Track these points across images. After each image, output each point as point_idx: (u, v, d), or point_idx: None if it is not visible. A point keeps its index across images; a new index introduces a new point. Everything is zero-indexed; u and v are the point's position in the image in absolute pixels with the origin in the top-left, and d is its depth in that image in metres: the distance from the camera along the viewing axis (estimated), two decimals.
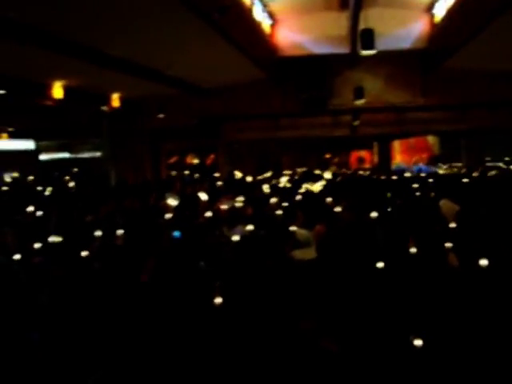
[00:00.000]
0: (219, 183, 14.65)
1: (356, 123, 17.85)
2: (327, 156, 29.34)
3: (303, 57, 14.29)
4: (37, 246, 5.80)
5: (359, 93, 14.42)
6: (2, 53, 9.20)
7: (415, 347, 3.37)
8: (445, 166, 22.26)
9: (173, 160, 22.27)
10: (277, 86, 15.43)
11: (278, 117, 17.62)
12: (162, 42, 10.16)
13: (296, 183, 14.99)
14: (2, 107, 17.34)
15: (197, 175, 19.31)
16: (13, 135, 25.15)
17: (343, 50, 13.69)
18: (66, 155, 28.57)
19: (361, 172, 21.80)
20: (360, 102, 14.61)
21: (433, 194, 10.35)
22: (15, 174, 23.84)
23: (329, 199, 9.74)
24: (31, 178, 21.59)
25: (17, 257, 5.21)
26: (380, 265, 4.90)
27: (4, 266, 4.44)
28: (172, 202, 9.18)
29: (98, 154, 23.28)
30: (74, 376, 3.90)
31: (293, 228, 7.28)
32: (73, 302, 4.53)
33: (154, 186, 11.51)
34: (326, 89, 15.30)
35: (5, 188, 15.24)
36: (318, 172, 18.94)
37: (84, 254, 5.31)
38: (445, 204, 8.68)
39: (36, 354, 4.11)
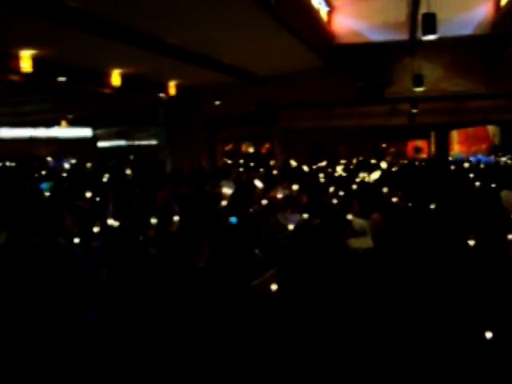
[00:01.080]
0: (274, 172, 14.66)
1: (414, 111, 17.53)
2: (383, 145, 28.98)
3: (360, 44, 14.06)
4: (95, 230, 5.91)
5: (418, 80, 14.09)
6: (62, 41, 9.38)
7: (485, 340, 3.28)
8: (505, 157, 21.62)
9: (228, 148, 22.41)
10: (333, 74, 15.22)
11: (334, 105, 17.46)
12: (219, 30, 10.16)
13: (352, 172, 14.89)
14: (63, 95, 17.78)
15: (252, 163, 19.38)
16: (72, 123, 25.78)
17: (402, 36, 13.39)
18: (122, 143, 29.12)
19: (417, 162, 21.42)
20: (419, 90, 14.28)
21: (493, 184, 10.08)
22: (74, 161, 24.42)
23: (385, 189, 9.64)
24: (89, 164, 22.09)
25: (76, 240, 5.33)
26: (438, 256, 4.80)
27: (65, 249, 4.54)
28: (228, 189, 9.23)
29: (154, 141, 23.63)
30: (130, 358, 3.95)
31: (349, 217, 7.25)
32: (129, 285, 4.59)
33: (210, 174, 11.57)
34: (383, 77, 15.00)
35: (64, 174, 15.64)
36: (373, 161, 18.75)
37: (140, 238, 5.39)
38: (506, 195, 8.47)
39: (95, 336, 4.19)
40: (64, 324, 4.09)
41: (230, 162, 20.21)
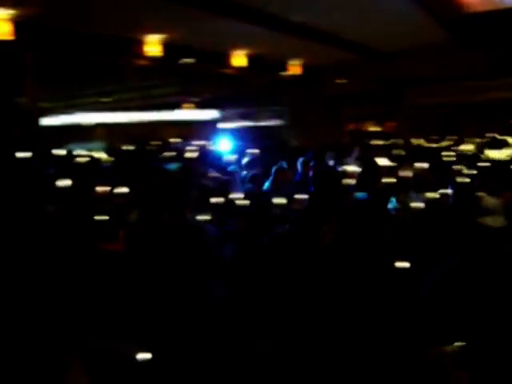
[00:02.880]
0: (399, 150, 14.27)
1: None
2: None
3: (493, 11, 13.24)
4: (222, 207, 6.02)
5: None
6: (189, 24, 9.59)
7: None
8: None
9: (352, 127, 22.09)
10: (462, 47, 14.49)
11: (464, 79, 16.63)
12: (343, 6, 9.98)
13: (480, 149, 14.24)
14: (188, 78, 18.28)
15: (376, 142, 18.99)
16: (198, 105, 26.47)
17: None
18: (247, 123, 29.54)
19: None
20: None
21: None
22: (200, 142, 25.04)
23: None
24: (214, 146, 22.58)
25: (205, 217, 5.44)
26: None
27: (194, 225, 4.64)
28: (352, 167, 9.10)
29: (277, 121, 23.77)
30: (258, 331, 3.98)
31: (480, 194, 6.95)
32: (256, 261, 4.63)
33: (334, 152, 11.44)
34: None
35: (191, 155, 16.07)
36: (502, 138, 17.80)
37: (266, 215, 5.41)
38: None
39: (222, 309, 4.25)
40: (194, 297, 4.18)
41: (353, 140, 19.92)
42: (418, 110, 19.78)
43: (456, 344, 2.87)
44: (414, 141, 17.07)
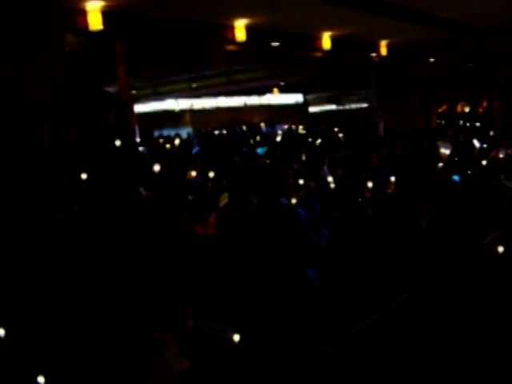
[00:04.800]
0: (494, 131, 13.76)
1: None
2: None
3: None
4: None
5: None
6: (273, 8, 9.55)
7: None
8: None
9: (443, 108, 21.46)
10: None
11: None
12: None
13: None
14: (274, 62, 18.28)
15: (469, 123, 18.40)
16: (283, 89, 26.49)
17: None
18: (333, 107, 29.34)
19: None
20: None
21: None
22: (287, 127, 25.12)
23: None
24: (302, 129, 22.58)
25: (293, 201, 5.46)
26: None
27: (286, 208, 4.64)
28: (445, 150, 8.86)
29: (364, 104, 23.44)
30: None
31: None
32: (348, 245, 4.60)
33: (425, 134, 11.14)
34: None
35: (278, 139, 16.16)
36: None
37: (358, 200, 5.35)
38: None
39: (313, 292, 4.25)
40: (286, 282, 4.20)
41: (444, 122, 19.37)
42: None
43: None
44: (511, 121, 16.40)
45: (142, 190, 5.54)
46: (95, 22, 8.48)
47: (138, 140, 10.08)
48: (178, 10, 9.57)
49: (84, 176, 4.71)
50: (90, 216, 4.67)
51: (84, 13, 8.44)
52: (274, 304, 4.04)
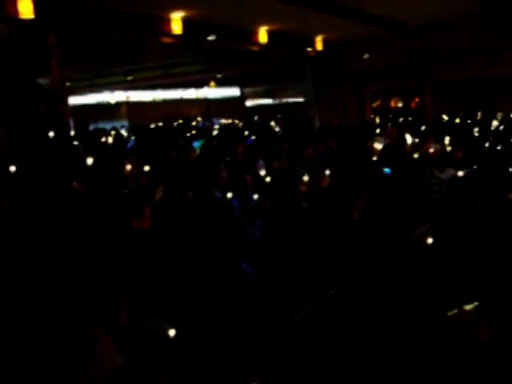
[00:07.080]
0: (425, 126, 14.12)
1: None
2: None
3: None
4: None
5: None
6: (211, 1, 9.50)
7: None
8: None
9: (377, 103, 21.87)
10: (492, 16, 14.02)
11: (494, 52, 16.21)
12: None
13: (510, 125, 14.04)
14: (211, 55, 18.20)
15: (401, 118, 18.82)
16: (220, 83, 26.39)
17: None
18: (270, 101, 29.46)
19: None
20: None
21: None
22: (224, 121, 25.11)
23: None
24: (238, 123, 22.60)
25: (230, 194, 5.45)
26: None
27: (220, 201, 4.64)
28: (378, 144, 9.04)
29: (301, 98, 23.62)
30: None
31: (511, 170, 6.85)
32: (282, 238, 4.63)
33: (360, 129, 11.36)
34: None
35: (215, 132, 16.14)
36: None
37: (292, 193, 5.39)
38: None
39: (251, 286, 4.28)
40: (222, 275, 4.20)
41: (379, 117, 19.76)
42: (444, 84, 19.48)
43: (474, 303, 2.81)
44: (441, 116, 16.88)
45: (74, 183, 5.43)
46: (26, 11, 8.18)
47: (72, 133, 9.85)
48: (114, 1, 9.40)
49: (12, 168, 4.58)
50: (18, 210, 4.55)
51: (14, 0, 8.15)
52: (210, 297, 4.04)
